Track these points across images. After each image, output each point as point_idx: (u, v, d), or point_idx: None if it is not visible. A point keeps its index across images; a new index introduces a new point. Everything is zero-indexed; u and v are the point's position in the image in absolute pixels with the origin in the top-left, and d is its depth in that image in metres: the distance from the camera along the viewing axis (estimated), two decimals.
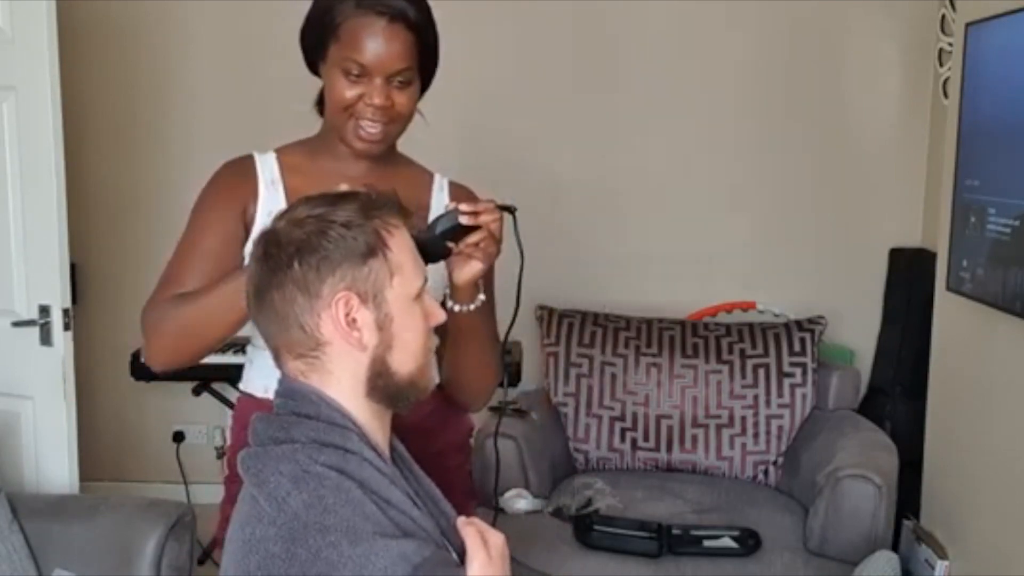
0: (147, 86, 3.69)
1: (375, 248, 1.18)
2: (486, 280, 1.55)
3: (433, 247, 1.37)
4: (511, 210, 1.42)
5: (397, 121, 1.54)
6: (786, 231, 3.64)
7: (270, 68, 3.57)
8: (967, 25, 2.68)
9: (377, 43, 1.46)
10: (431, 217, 1.55)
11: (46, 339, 2.54)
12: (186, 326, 1.48)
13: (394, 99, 1.50)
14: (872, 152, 3.58)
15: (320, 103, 1.62)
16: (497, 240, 1.43)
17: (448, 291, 1.50)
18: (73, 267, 2.87)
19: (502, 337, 1.60)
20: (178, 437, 3.80)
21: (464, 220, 1.38)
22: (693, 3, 3.53)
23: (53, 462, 2.60)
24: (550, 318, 3.28)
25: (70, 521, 2.26)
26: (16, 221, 2.55)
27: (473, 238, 1.40)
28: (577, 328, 3.25)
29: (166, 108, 3.70)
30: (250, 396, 1.62)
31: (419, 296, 1.23)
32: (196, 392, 3.46)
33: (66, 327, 2.55)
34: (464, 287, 1.47)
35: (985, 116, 2.59)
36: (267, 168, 1.59)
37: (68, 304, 2.56)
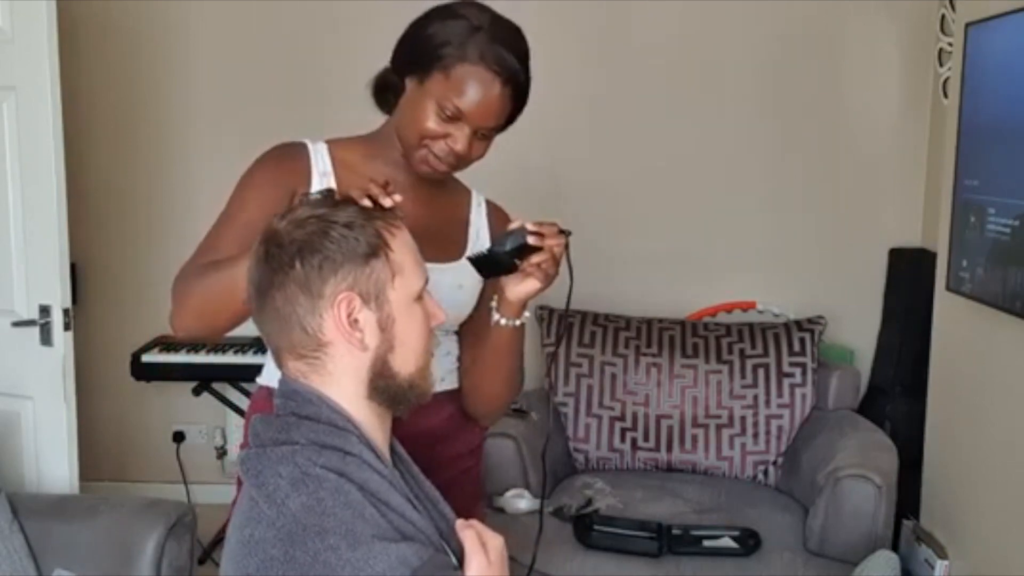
0: (147, 86, 3.69)
1: (377, 248, 1.18)
2: None
3: (503, 262, 1.43)
4: (566, 234, 1.47)
5: (466, 163, 1.57)
6: (786, 231, 3.64)
7: (270, 69, 3.59)
8: (967, 25, 2.68)
9: (484, 101, 1.49)
10: (471, 231, 1.64)
11: (46, 339, 2.54)
12: (210, 294, 1.45)
13: (473, 147, 1.53)
14: (872, 152, 3.58)
15: (378, 91, 1.62)
16: (557, 263, 1.46)
17: (496, 304, 1.53)
18: (73, 267, 2.86)
19: (550, 350, 1.58)
20: (178, 437, 3.80)
21: (531, 240, 1.41)
22: (694, 4, 3.53)
23: (53, 462, 2.60)
24: (550, 318, 3.28)
25: (70, 521, 2.26)
26: (16, 221, 2.55)
27: (537, 258, 1.43)
28: (577, 328, 3.25)
29: (166, 108, 3.70)
30: (271, 389, 1.60)
31: (420, 296, 1.23)
32: (196, 392, 3.45)
33: (66, 327, 2.55)
34: (516, 303, 1.51)
35: (985, 116, 2.59)
36: (320, 159, 1.59)
37: (68, 304, 2.56)
